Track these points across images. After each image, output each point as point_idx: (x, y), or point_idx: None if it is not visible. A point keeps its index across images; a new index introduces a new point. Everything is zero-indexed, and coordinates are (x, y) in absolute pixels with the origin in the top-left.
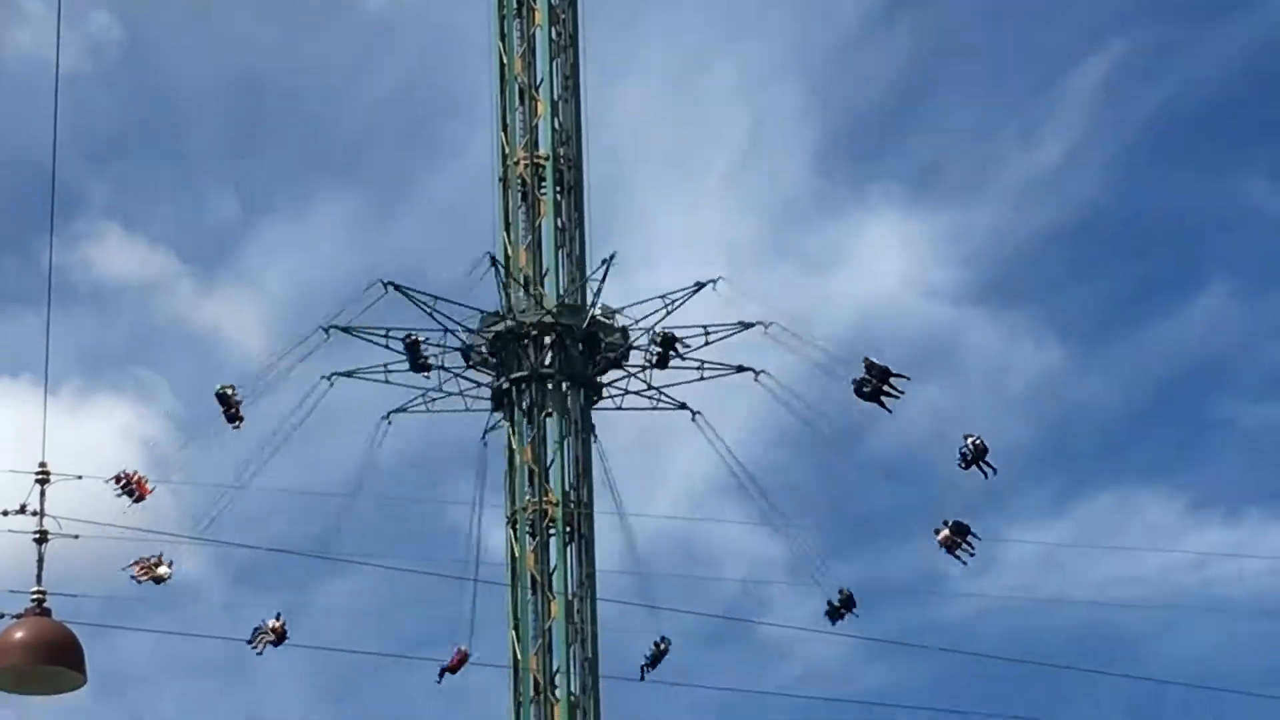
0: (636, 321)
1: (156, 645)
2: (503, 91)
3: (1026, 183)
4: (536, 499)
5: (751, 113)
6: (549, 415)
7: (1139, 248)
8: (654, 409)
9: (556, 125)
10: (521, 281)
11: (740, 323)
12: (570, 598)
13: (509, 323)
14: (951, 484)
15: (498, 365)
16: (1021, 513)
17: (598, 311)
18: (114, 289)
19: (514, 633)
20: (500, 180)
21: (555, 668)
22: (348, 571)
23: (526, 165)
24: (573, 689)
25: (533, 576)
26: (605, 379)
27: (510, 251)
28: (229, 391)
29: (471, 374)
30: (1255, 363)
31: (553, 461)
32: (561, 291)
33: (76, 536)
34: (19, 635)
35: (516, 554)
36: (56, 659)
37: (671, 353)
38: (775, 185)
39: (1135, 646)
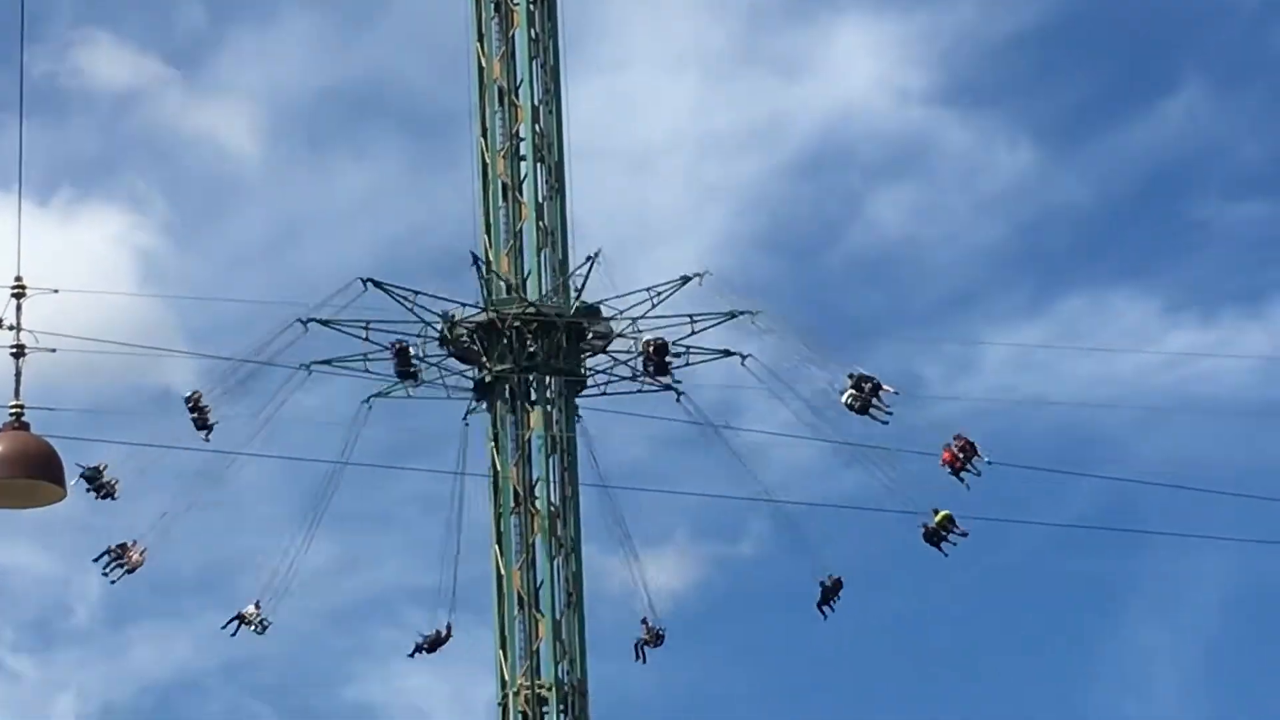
0: (621, 312)
1: (135, 457)
2: None
3: None
4: (514, 309)
5: None
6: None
7: (1113, 47)
8: (639, 393)
9: None
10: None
11: (730, 312)
12: (548, 409)
13: (490, 314)
14: (921, 287)
15: (479, 356)
16: (996, 314)
17: (585, 301)
18: (104, 96)
19: (494, 444)
20: None
21: (535, 478)
22: (322, 379)
23: None
24: (552, 499)
25: (510, 390)
26: (590, 364)
27: (485, 64)
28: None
29: (451, 363)
30: (1231, 161)
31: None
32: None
33: (54, 350)
34: None
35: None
36: (35, 472)
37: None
38: None
39: (1113, 447)
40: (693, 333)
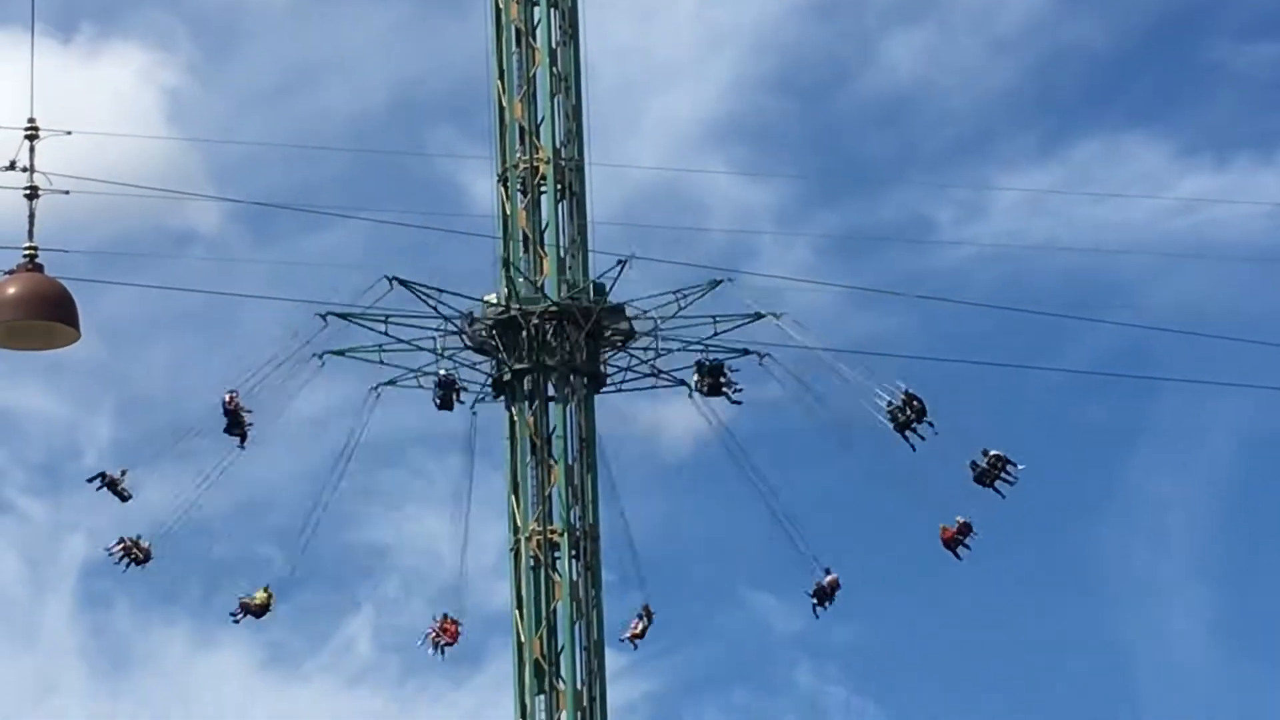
0: (645, 313)
1: (147, 300)
2: None
3: None
4: (528, 156)
5: None
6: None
7: None
8: (654, 389)
9: None
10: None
11: (754, 313)
12: (562, 255)
13: (515, 308)
14: (932, 130)
15: (497, 350)
16: (1008, 158)
17: (609, 300)
18: None
19: (505, 290)
20: None
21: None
22: (333, 224)
23: None
24: (567, 351)
25: (524, 234)
26: (607, 359)
27: None
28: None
29: (468, 355)
30: (1247, 2)
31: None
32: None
33: (67, 192)
34: (12, 291)
35: (508, 211)
36: (50, 314)
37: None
38: None
39: (1125, 293)
40: (715, 334)
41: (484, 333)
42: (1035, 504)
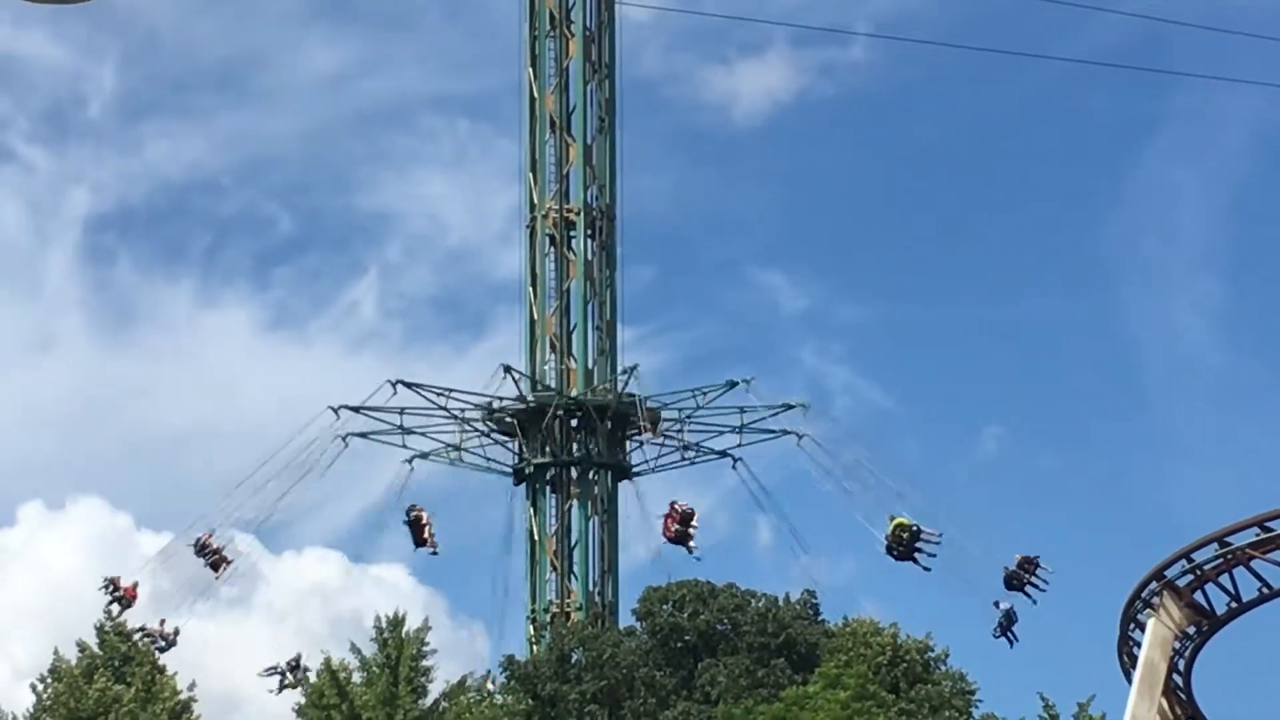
0: (666, 405)
1: None
2: None
3: None
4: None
5: None
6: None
7: None
8: (690, 464)
9: None
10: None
11: (783, 404)
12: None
13: (537, 397)
14: None
15: (521, 438)
16: None
17: (625, 389)
18: None
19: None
20: None
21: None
22: None
23: None
24: (589, 23)
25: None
26: (634, 440)
27: None
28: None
29: (495, 435)
30: None
31: None
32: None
33: None
34: None
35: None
36: None
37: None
38: None
39: None
40: (742, 425)
41: (507, 419)
42: (1047, 188)
